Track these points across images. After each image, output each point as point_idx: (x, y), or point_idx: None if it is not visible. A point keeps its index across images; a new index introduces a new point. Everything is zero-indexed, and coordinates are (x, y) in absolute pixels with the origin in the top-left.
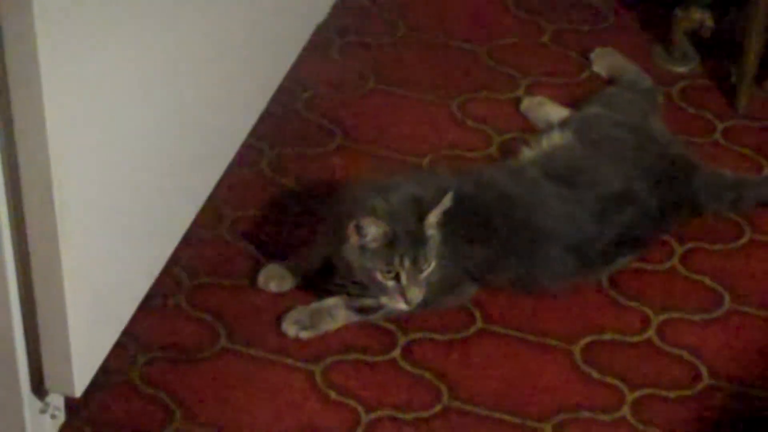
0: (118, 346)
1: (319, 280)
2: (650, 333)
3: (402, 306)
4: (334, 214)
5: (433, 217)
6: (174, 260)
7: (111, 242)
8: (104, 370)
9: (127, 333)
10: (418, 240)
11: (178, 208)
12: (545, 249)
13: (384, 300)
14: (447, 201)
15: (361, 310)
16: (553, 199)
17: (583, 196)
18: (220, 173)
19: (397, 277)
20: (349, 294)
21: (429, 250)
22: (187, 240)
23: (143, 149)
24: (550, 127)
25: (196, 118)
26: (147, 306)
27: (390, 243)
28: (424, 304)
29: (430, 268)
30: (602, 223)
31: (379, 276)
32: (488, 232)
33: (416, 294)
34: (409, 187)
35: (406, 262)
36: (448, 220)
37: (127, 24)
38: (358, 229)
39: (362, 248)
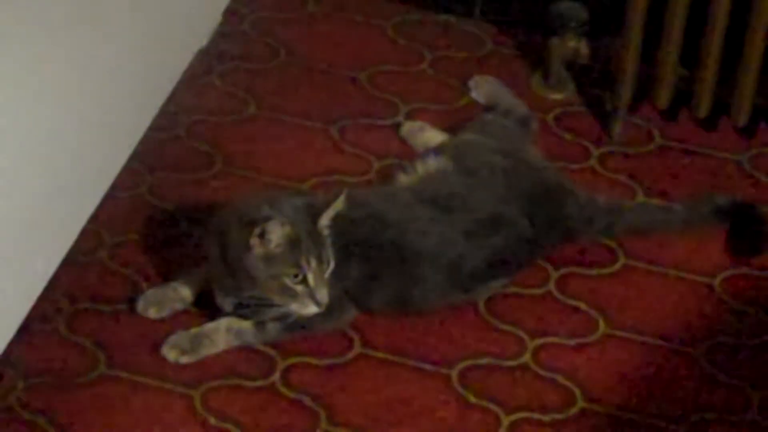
0: None
1: (199, 305)
2: (526, 357)
3: (312, 309)
4: (219, 234)
5: (326, 219)
6: (53, 285)
7: None
8: None
9: (5, 359)
10: (318, 239)
11: (57, 233)
12: (417, 269)
13: (294, 306)
14: (339, 203)
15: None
16: (425, 221)
17: (455, 219)
18: (99, 197)
19: (304, 281)
20: (239, 315)
21: (328, 248)
22: (66, 265)
23: (19, 172)
24: (426, 153)
25: (74, 142)
26: (26, 331)
27: (294, 245)
28: (305, 328)
29: (330, 267)
30: (473, 245)
31: (287, 281)
32: (362, 251)
33: (325, 294)
34: (294, 199)
35: (313, 262)
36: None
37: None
38: (262, 236)
39: (266, 257)
